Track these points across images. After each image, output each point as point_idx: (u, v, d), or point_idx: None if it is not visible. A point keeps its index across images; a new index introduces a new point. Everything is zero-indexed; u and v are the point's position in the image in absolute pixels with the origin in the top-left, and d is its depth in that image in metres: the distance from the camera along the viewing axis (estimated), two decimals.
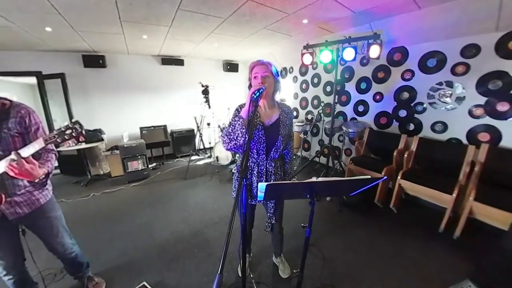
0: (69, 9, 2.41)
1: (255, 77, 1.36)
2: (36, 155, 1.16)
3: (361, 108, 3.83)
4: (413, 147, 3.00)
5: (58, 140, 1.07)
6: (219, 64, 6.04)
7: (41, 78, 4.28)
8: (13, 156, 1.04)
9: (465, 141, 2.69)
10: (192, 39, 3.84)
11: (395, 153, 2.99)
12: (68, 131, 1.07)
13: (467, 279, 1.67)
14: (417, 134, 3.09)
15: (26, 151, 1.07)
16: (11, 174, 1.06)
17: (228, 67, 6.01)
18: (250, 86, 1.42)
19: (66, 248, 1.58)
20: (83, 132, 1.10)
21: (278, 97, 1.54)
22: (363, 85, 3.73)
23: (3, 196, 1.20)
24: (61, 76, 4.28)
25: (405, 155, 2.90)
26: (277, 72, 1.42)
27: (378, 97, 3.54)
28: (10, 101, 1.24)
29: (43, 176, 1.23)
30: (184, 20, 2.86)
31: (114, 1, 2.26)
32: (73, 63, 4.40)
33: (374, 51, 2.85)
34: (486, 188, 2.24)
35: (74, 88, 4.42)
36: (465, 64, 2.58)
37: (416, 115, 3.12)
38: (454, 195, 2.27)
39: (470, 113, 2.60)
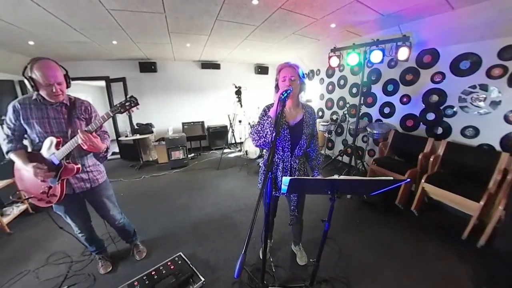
0: (130, 25, 2.65)
1: (283, 80, 1.34)
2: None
3: (387, 110, 3.52)
4: (440, 151, 2.66)
5: (122, 110, 1.24)
6: (251, 67, 6.07)
7: (109, 81, 4.82)
8: (84, 129, 1.26)
9: (498, 148, 2.32)
10: (227, 46, 3.93)
11: (420, 156, 2.70)
12: (127, 103, 1.24)
13: None
14: (445, 138, 2.74)
15: (93, 125, 1.27)
16: (84, 147, 1.27)
17: (259, 70, 6.01)
18: (276, 86, 1.40)
19: (115, 219, 1.79)
20: (138, 102, 1.27)
21: (303, 98, 1.50)
22: (390, 87, 3.41)
23: (80, 166, 1.42)
24: (123, 79, 4.76)
25: (431, 159, 2.60)
26: (303, 74, 1.38)
27: (405, 99, 3.22)
28: (73, 96, 1.48)
29: (105, 150, 1.44)
30: (221, 29, 2.94)
31: (164, 17, 2.42)
32: (132, 69, 4.85)
33: (403, 53, 2.58)
34: None
35: (132, 89, 4.88)
36: (502, 66, 2.20)
37: (445, 119, 2.76)
38: (482, 203, 1.98)
39: (506, 118, 2.22)
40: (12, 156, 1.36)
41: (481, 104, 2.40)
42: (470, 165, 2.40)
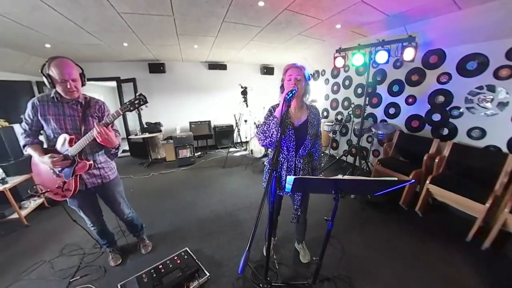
0: (140, 28, 2.69)
1: (289, 80, 1.33)
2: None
3: (392, 111, 3.45)
4: (446, 152, 2.59)
5: (131, 108, 1.28)
6: (257, 68, 6.06)
7: (119, 82, 4.92)
8: (101, 123, 1.31)
9: (505, 150, 2.24)
10: (234, 47, 3.93)
11: (425, 157, 2.63)
12: (136, 101, 1.27)
13: None
14: (451, 139, 2.66)
15: (107, 120, 1.32)
16: (99, 139, 1.31)
17: (265, 70, 5.99)
18: (282, 86, 1.40)
19: (124, 213, 1.84)
20: (147, 100, 1.30)
21: (308, 99, 1.49)
22: (395, 88, 3.34)
23: (92, 162, 1.47)
24: (133, 80, 4.85)
25: (436, 160, 2.53)
26: (309, 76, 1.37)
27: (410, 100, 3.14)
28: (89, 96, 1.53)
29: (116, 146, 1.48)
30: (228, 31, 2.94)
31: (172, 19, 2.45)
32: (141, 69, 4.93)
33: (409, 53, 2.52)
34: None
35: (142, 89, 4.95)
36: (510, 67, 2.12)
37: (451, 120, 2.68)
38: (488, 205, 1.92)
39: None
40: (29, 149, 1.42)
41: (488, 105, 2.32)
42: (476, 167, 2.33)
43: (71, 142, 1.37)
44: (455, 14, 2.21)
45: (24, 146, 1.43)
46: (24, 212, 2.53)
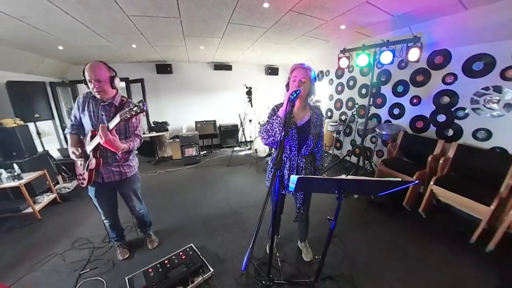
0: (148, 30, 2.73)
1: (293, 80, 1.33)
2: (127, 136, 1.55)
3: (396, 111, 3.39)
4: (450, 153, 2.53)
5: (128, 115, 1.25)
6: (262, 68, 6.05)
7: (128, 82, 4.98)
8: (105, 125, 1.32)
9: (511, 151, 2.17)
10: (239, 48, 3.93)
11: (429, 158, 2.58)
12: (135, 108, 1.25)
13: None
14: (456, 140, 2.59)
15: (111, 124, 1.33)
16: (101, 141, 1.32)
17: (269, 71, 5.98)
18: (287, 85, 1.39)
19: (137, 209, 1.90)
20: (145, 108, 1.27)
21: (313, 99, 1.48)
22: (400, 88, 3.28)
23: (100, 160, 1.52)
24: (141, 80, 4.91)
25: (441, 161, 2.47)
26: (315, 78, 1.36)
27: (415, 100, 3.08)
28: (126, 98, 1.61)
29: (124, 150, 1.47)
30: (233, 32, 2.94)
31: (179, 21, 2.47)
32: (149, 70, 4.99)
33: (413, 54, 2.47)
34: None
35: (149, 89, 5.02)
36: None
37: (456, 121, 2.61)
38: (493, 207, 1.86)
39: None
40: (68, 136, 1.59)
41: (495, 106, 2.25)
42: (481, 168, 2.27)
43: (92, 138, 1.45)
44: (462, 14, 2.14)
45: (64, 132, 1.60)
46: (37, 207, 2.60)
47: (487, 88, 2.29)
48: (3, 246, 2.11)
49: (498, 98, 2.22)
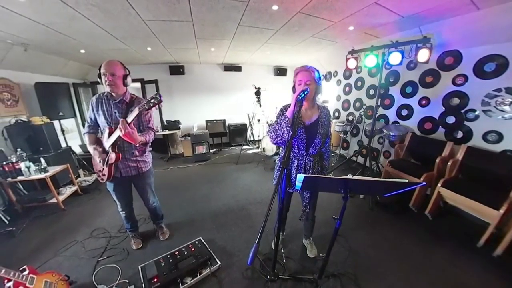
0: (163, 33, 2.78)
1: (299, 84, 1.32)
2: (141, 130, 1.58)
3: (404, 112, 3.27)
4: (459, 155, 2.40)
5: (146, 107, 1.30)
6: (270, 69, 6.02)
7: (143, 83, 5.12)
8: (124, 119, 1.37)
9: None
10: (248, 49, 3.93)
11: (437, 160, 2.47)
12: (152, 100, 1.28)
13: None
14: (465, 143, 2.47)
15: (129, 118, 1.38)
16: (121, 134, 1.37)
17: (278, 71, 5.94)
18: (293, 88, 1.38)
19: (150, 202, 1.97)
20: (161, 99, 1.29)
21: (320, 99, 1.46)
22: (408, 89, 3.16)
23: (120, 155, 1.57)
24: (155, 81, 5.03)
25: (449, 163, 2.36)
26: (319, 77, 1.34)
27: (424, 101, 2.95)
28: (135, 95, 1.65)
29: (142, 142, 1.53)
30: (243, 34, 2.95)
31: (191, 24, 2.50)
32: (163, 72, 5.10)
33: (423, 55, 2.36)
34: None
35: (163, 90, 5.13)
36: None
37: (466, 123, 2.48)
38: (502, 211, 1.76)
39: None
40: (86, 137, 1.66)
41: (506, 108, 2.12)
42: (491, 172, 2.14)
43: (109, 135, 1.51)
44: (473, 15, 2.03)
45: (84, 133, 1.66)
46: (61, 198, 2.74)
47: (499, 90, 2.16)
48: (31, 233, 2.25)
49: (510, 100, 2.09)
